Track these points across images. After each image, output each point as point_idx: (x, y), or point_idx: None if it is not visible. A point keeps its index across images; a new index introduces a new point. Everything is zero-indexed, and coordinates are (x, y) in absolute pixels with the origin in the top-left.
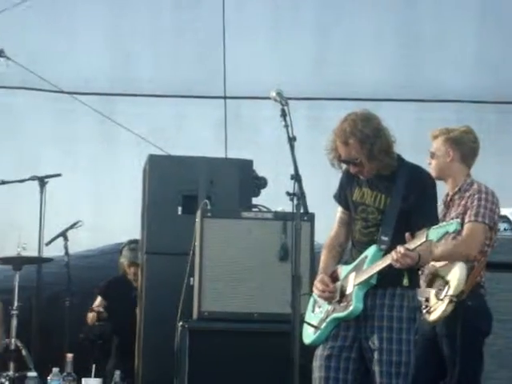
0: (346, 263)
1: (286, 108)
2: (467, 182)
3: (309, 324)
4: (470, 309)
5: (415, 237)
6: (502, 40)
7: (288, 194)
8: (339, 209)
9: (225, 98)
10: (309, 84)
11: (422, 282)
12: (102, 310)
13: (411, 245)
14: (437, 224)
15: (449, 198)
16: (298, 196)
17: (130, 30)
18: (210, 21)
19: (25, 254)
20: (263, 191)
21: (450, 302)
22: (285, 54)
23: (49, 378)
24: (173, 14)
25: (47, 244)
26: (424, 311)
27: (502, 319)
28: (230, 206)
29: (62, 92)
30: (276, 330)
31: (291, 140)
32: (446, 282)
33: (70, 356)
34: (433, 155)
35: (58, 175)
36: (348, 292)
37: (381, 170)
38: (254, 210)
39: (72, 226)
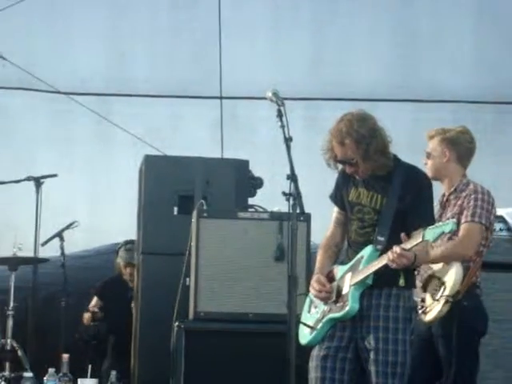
0: (342, 263)
1: (282, 108)
2: (463, 183)
3: (305, 324)
4: (465, 309)
5: (411, 237)
6: (499, 39)
7: (284, 194)
8: (335, 209)
9: (221, 98)
10: (305, 84)
11: (418, 283)
12: (97, 310)
13: (407, 245)
14: (433, 224)
15: (445, 199)
16: (294, 196)
17: (127, 30)
18: (206, 21)
19: (21, 254)
20: (259, 191)
21: (446, 302)
22: (281, 54)
23: (45, 378)
24: (169, 14)
25: (43, 244)
26: (420, 311)
27: (498, 319)
28: (226, 206)
29: (59, 92)
30: (272, 330)
31: (287, 140)
32: (442, 283)
33: (65, 356)
34: (429, 155)
35: (54, 175)
36: (344, 292)
37: (376, 170)
38: (250, 210)
39: (68, 227)
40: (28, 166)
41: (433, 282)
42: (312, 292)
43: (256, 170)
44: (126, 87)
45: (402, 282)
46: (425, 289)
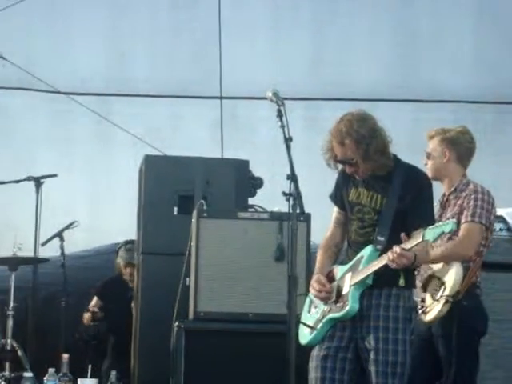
0: (342, 263)
1: (282, 108)
2: (463, 182)
3: (305, 324)
4: (465, 309)
5: (411, 237)
6: (498, 39)
7: (284, 194)
8: (335, 209)
9: (221, 98)
10: (305, 84)
11: (418, 283)
12: (96, 310)
13: (407, 245)
14: (433, 224)
15: (445, 199)
16: (294, 196)
17: (127, 30)
18: (206, 21)
19: (21, 254)
20: (259, 191)
21: (446, 302)
22: (281, 54)
23: (45, 378)
24: (170, 14)
25: (43, 244)
26: (420, 311)
27: (498, 319)
28: (226, 206)
29: (59, 92)
30: (272, 330)
31: (287, 140)
32: (442, 283)
33: (65, 356)
34: (429, 156)
35: (54, 175)
36: (344, 292)
37: (376, 171)
38: (250, 210)
39: (68, 227)
40: (28, 166)
41: (433, 282)
42: (312, 292)
43: (256, 170)
44: (126, 87)
45: (401, 281)
46: (425, 289)
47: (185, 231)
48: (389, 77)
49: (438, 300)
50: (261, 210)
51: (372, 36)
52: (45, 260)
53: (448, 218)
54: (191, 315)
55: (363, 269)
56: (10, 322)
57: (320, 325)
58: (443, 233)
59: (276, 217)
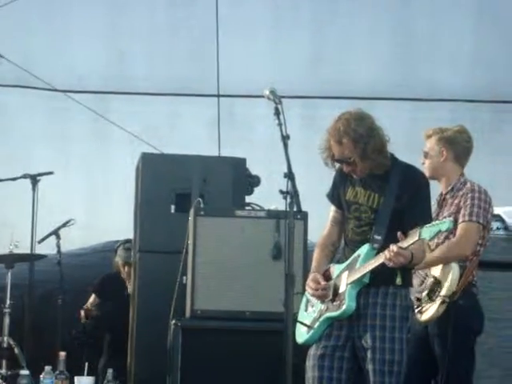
0: (339, 262)
1: (279, 106)
2: (460, 181)
3: (302, 323)
4: (462, 308)
5: (408, 235)
6: (498, 38)
7: (281, 192)
8: (332, 208)
9: (218, 96)
10: (303, 82)
11: (415, 282)
12: (90, 307)
13: (404, 243)
14: (430, 223)
15: (442, 198)
16: (292, 194)
17: (125, 28)
18: (204, 19)
19: (17, 251)
20: (256, 189)
21: (443, 302)
22: (279, 52)
23: (41, 376)
24: (167, 11)
25: (39, 242)
26: (416, 311)
27: (494, 318)
28: (223, 204)
29: (56, 90)
30: (269, 328)
31: (285, 138)
32: (439, 283)
33: (62, 354)
34: (426, 155)
35: (51, 173)
36: (341, 291)
37: (374, 170)
38: (247, 208)
39: (64, 225)
40: (24, 164)
41: (429, 281)
42: (308, 291)
43: (253, 168)
44: (123, 85)
45: (398, 280)
46: (421, 288)
47: (182, 229)
48: (387, 76)
49: (434, 300)
50: (258, 208)
51: (372, 36)
52: (41, 256)
53: (445, 217)
54: (188, 313)
55: (360, 267)
56: (7, 320)
57: (317, 324)
58: (440, 231)
59: (273, 215)
